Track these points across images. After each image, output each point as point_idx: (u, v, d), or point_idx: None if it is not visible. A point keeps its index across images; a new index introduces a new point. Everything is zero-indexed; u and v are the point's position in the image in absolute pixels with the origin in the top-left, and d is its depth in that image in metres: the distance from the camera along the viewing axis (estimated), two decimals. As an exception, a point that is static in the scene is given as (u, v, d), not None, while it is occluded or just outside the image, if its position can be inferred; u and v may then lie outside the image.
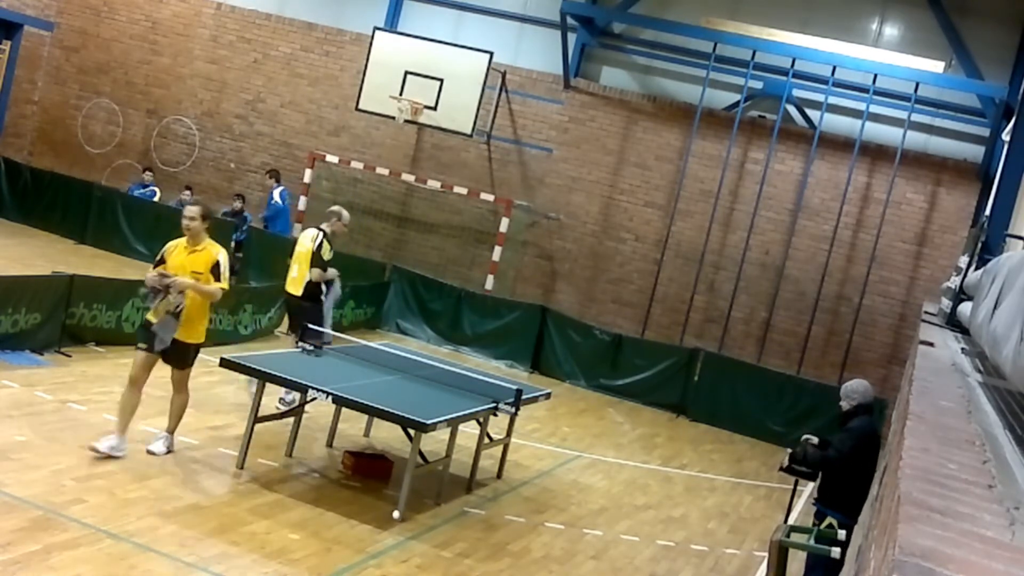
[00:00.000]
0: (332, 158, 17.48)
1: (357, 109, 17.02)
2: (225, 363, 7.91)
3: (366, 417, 9.23)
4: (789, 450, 7.16)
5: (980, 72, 15.16)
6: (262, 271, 15.87)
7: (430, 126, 16.71)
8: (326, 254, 10.09)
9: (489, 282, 16.41)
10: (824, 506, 6.72)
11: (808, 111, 16.06)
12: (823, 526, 6.57)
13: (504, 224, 16.54)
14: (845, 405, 7.10)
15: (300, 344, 9.19)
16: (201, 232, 7.78)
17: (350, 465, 8.44)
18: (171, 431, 7.75)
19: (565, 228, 17.00)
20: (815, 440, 6.96)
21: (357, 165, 17.55)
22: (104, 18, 19.78)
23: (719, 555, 8.63)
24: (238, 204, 17.07)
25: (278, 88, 18.67)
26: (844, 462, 6.48)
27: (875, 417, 7.16)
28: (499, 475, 9.25)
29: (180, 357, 7.64)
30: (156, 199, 17.76)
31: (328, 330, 9.84)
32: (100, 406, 8.65)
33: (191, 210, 7.86)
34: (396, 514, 7.45)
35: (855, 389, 7.08)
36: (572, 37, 16.70)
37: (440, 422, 7.60)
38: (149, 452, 7.59)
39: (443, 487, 8.24)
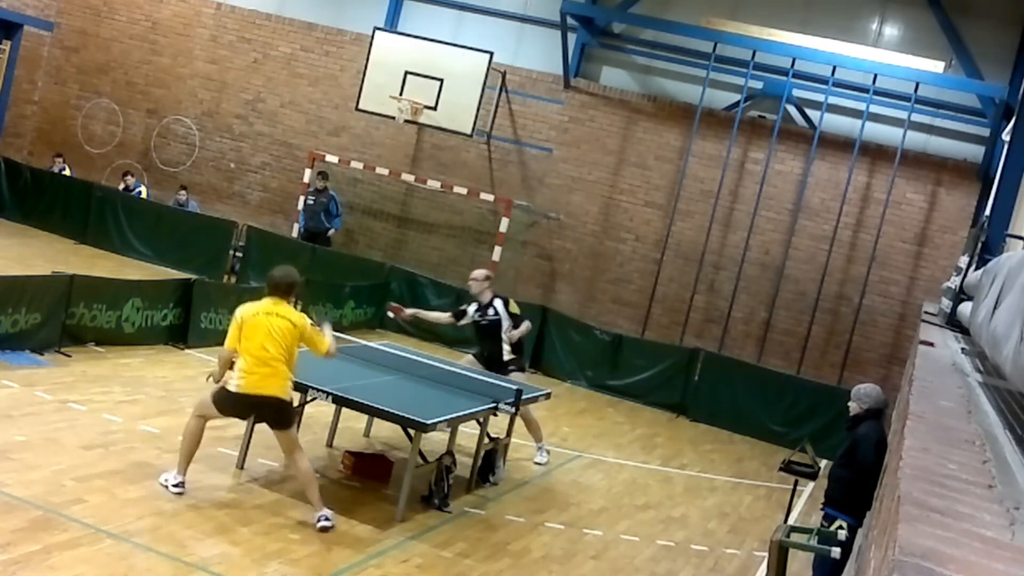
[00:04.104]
0: (332, 158, 17.48)
1: (357, 109, 17.02)
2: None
3: (366, 417, 9.22)
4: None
5: (980, 72, 15.16)
6: (262, 271, 15.86)
7: (430, 126, 16.71)
8: None
9: (489, 282, 16.40)
10: (834, 509, 6.67)
11: (808, 111, 16.06)
12: (833, 528, 6.52)
13: (504, 224, 16.54)
14: (855, 407, 6.94)
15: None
16: None
17: (350, 465, 8.44)
18: None
19: (565, 228, 17.00)
20: (844, 531, 6.51)
21: (357, 165, 17.55)
22: (104, 18, 19.78)
23: (719, 555, 8.63)
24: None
25: (278, 88, 18.67)
26: (875, 469, 6.36)
27: (883, 422, 7.08)
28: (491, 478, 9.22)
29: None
30: (144, 195, 17.72)
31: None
32: (100, 406, 8.66)
33: None
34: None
35: (868, 393, 6.93)
36: (572, 37, 16.70)
37: (440, 422, 7.60)
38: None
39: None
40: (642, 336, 15.86)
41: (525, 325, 10.11)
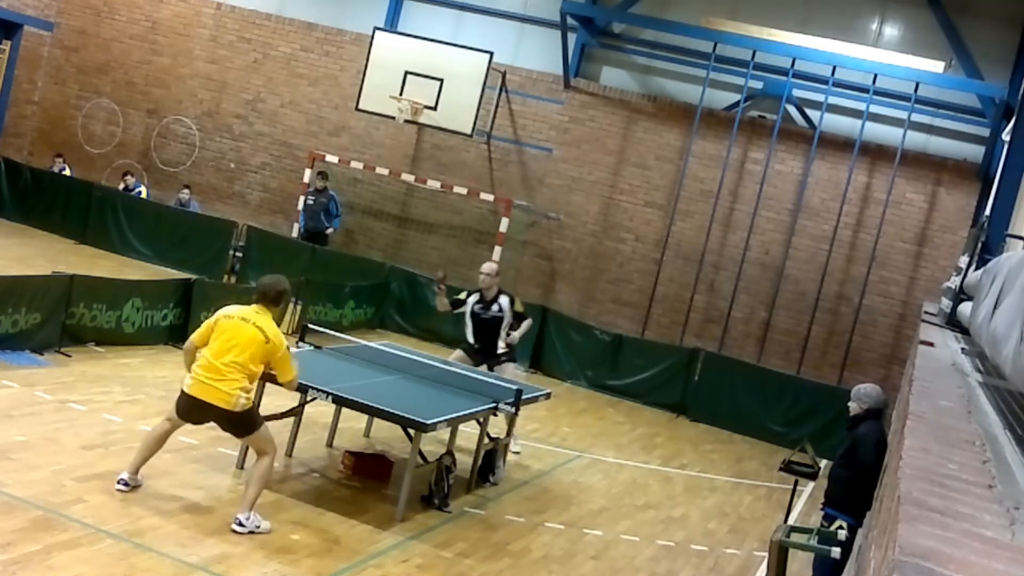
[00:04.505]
0: (332, 158, 17.48)
1: (357, 109, 17.02)
2: (225, 363, 7.88)
3: (366, 417, 9.22)
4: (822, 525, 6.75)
5: (980, 72, 15.16)
6: (262, 271, 15.85)
7: (430, 126, 16.71)
8: None
9: (489, 282, 16.40)
10: (834, 509, 6.67)
11: (808, 111, 16.06)
12: (833, 528, 6.51)
13: (504, 224, 16.54)
14: (855, 408, 6.94)
15: (300, 344, 9.19)
16: None
17: (350, 465, 8.43)
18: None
19: (565, 228, 17.00)
20: (845, 531, 6.51)
21: (357, 165, 17.55)
22: (104, 18, 19.78)
23: (719, 555, 8.63)
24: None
25: (278, 88, 18.67)
26: (875, 469, 6.36)
27: (883, 422, 7.08)
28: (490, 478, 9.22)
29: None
30: (144, 195, 17.75)
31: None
32: (100, 406, 8.65)
33: None
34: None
35: (868, 393, 6.93)
36: (572, 37, 16.70)
37: (440, 422, 7.60)
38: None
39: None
40: (642, 336, 15.86)
41: (526, 323, 10.23)
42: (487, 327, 10.08)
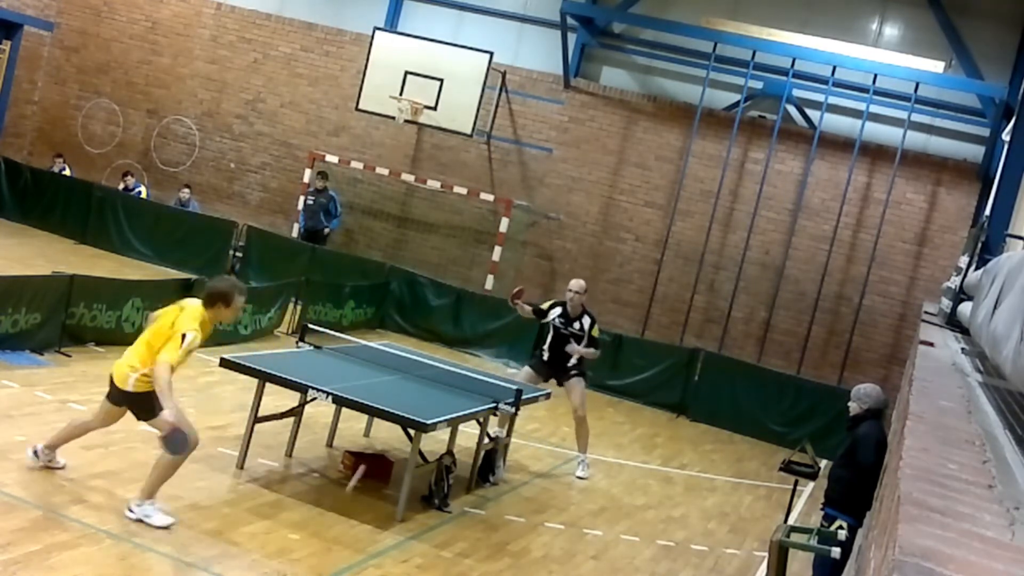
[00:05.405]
0: (332, 158, 17.48)
1: (357, 109, 17.02)
2: (225, 363, 7.89)
3: (366, 417, 9.22)
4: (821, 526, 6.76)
5: (980, 72, 15.16)
6: (262, 271, 15.88)
7: (430, 126, 16.72)
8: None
9: (489, 282, 16.41)
10: (834, 509, 6.67)
11: (808, 111, 16.06)
12: (833, 528, 6.51)
13: (504, 224, 16.54)
14: (855, 408, 6.93)
15: (300, 344, 9.19)
16: None
17: (350, 465, 8.43)
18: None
19: (565, 228, 17.00)
20: (845, 531, 6.51)
21: (357, 165, 17.56)
22: (104, 18, 19.78)
23: (719, 555, 8.63)
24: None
25: (278, 88, 18.67)
26: (875, 469, 6.36)
27: (883, 422, 7.07)
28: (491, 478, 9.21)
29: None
30: (143, 195, 17.76)
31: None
32: (100, 406, 8.64)
33: None
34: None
35: (868, 393, 6.93)
36: (572, 37, 16.70)
37: (440, 422, 7.60)
38: None
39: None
40: (642, 336, 15.85)
41: (595, 351, 10.26)
42: (565, 342, 10.08)
